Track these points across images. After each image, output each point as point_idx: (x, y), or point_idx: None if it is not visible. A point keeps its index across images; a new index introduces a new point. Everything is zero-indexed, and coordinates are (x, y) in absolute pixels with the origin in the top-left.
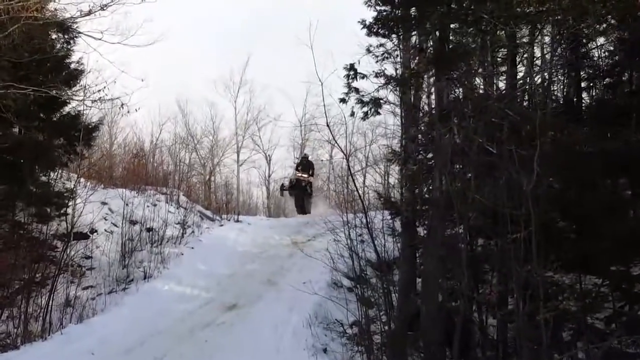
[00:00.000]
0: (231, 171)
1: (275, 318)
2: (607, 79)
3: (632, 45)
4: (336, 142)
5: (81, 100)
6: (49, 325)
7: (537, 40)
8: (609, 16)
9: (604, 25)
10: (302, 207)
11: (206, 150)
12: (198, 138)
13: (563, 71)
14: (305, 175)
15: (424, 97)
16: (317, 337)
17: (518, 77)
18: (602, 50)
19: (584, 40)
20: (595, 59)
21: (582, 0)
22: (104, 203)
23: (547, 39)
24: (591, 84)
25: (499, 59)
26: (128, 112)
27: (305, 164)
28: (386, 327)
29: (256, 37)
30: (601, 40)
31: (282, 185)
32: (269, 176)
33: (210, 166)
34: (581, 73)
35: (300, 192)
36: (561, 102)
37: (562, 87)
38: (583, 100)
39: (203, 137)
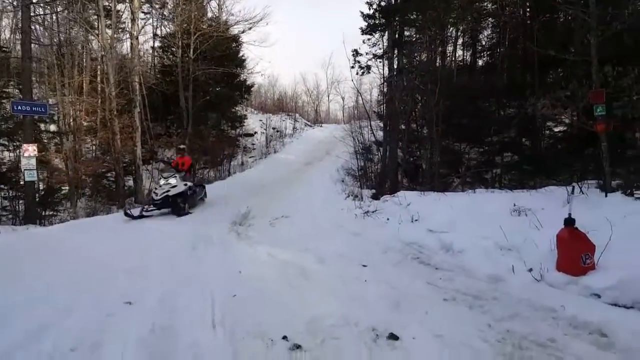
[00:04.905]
0: (325, 103)
1: (326, 168)
2: (489, 51)
3: (500, 35)
4: (357, 89)
5: (245, 73)
6: (230, 173)
7: (451, 34)
8: (490, 18)
9: (486, 23)
10: None
11: (314, 95)
12: (310, 88)
13: (465, 48)
14: None
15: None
16: (340, 175)
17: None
18: (486, 37)
19: (477, 32)
20: (483, 42)
21: (474, 12)
22: (260, 120)
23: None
24: (481, 54)
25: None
26: (265, 77)
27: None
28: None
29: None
30: (487, 32)
31: None
32: (344, 106)
33: (316, 102)
34: (476, 48)
35: None
36: (466, 64)
37: (466, 57)
38: (477, 62)
39: (313, 89)
